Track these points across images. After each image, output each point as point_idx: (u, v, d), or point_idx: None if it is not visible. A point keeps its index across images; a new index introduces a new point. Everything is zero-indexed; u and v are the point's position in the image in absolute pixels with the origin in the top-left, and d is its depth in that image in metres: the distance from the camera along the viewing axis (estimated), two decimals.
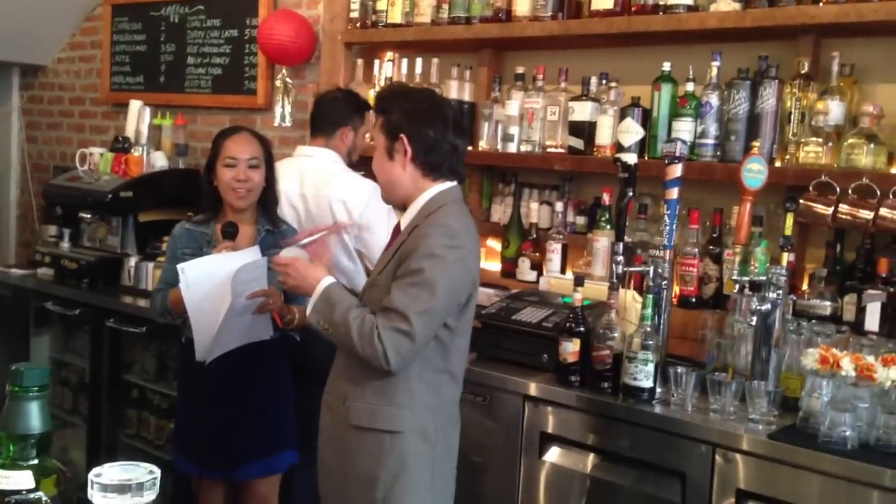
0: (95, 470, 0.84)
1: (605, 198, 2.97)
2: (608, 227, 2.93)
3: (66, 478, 0.96)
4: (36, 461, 0.94)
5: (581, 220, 3.22)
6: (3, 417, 0.94)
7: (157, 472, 0.84)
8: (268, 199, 2.76)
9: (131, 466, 0.85)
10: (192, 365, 2.61)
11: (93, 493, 0.83)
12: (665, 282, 2.52)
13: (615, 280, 2.53)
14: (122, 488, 0.82)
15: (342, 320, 2.03)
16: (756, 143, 2.54)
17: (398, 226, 2.22)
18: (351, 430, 2.11)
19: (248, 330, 2.58)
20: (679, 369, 2.38)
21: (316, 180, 3.01)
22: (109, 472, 0.84)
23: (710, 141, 2.76)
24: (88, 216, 4.04)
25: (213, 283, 2.46)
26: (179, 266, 2.47)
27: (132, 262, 3.81)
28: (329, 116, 3.09)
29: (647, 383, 2.38)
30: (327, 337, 2.10)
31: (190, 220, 2.79)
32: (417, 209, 2.14)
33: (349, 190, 2.97)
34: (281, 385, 2.79)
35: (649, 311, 2.41)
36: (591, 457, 2.45)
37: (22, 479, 0.92)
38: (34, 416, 0.93)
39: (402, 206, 2.22)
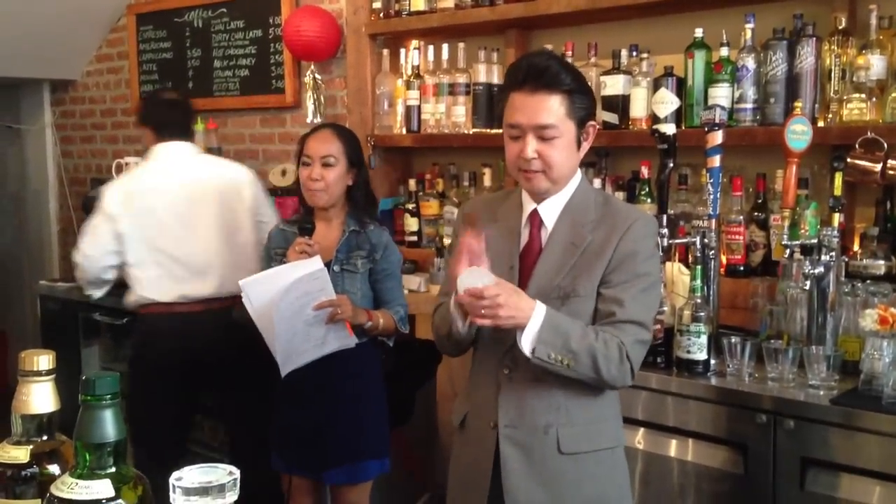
0: (176, 474, 0.84)
1: (644, 171, 2.94)
2: (649, 200, 2.89)
3: (145, 484, 0.96)
4: (113, 469, 0.94)
5: (620, 195, 3.16)
6: (77, 427, 0.94)
7: (237, 472, 0.84)
8: (356, 197, 2.68)
9: (210, 469, 0.85)
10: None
11: (175, 497, 0.83)
12: (712, 251, 2.48)
13: (661, 253, 2.50)
14: (204, 491, 0.82)
15: (583, 348, 1.76)
16: (798, 104, 2.48)
17: (537, 215, 1.92)
18: (565, 460, 1.87)
19: (325, 341, 2.52)
20: (733, 339, 2.35)
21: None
22: (189, 475, 0.84)
23: (749, 105, 2.70)
24: None
25: (275, 297, 2.41)
26: (240, 282, 2.46)
27: None
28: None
29: (701, 355, 2.36)
30: (555, 370, 1.78)
31: (284, 221, 2.80)
32: (570, 194, 1.92)
33: None
34: (370, 392, 2.71)
35: (698, 282, 2.38)
36: (650, 433, 2.42)
37: (101, 488, 0.92)
38: (108, 424, 0.93)
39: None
